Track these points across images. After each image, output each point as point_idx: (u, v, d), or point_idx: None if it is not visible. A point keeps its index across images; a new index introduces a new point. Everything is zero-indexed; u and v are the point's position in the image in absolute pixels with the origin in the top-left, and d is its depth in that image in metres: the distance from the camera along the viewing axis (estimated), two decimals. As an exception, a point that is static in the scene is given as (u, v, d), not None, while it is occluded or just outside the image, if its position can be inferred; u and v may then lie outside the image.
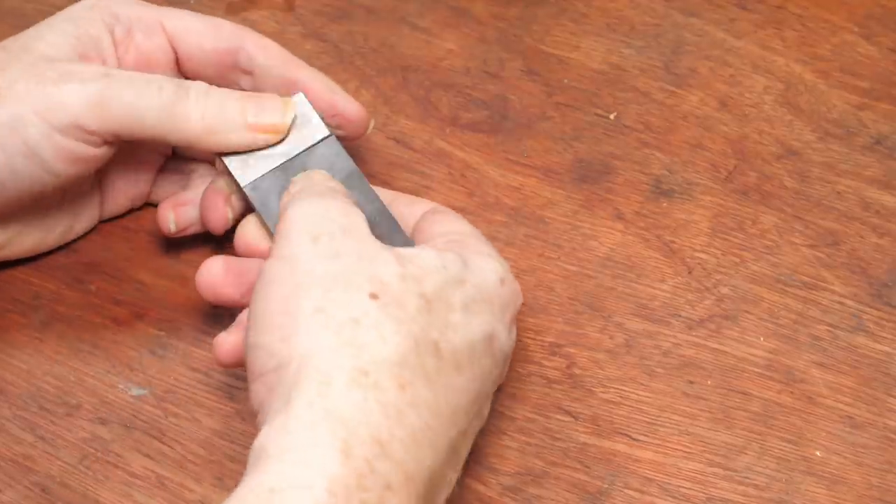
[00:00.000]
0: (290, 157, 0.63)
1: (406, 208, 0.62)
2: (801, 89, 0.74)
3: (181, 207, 0.66)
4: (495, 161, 0.71)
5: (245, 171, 0.63)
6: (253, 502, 0.47)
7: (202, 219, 0.66)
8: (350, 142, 0.67)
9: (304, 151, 0.63)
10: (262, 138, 0.62)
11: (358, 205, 0.59)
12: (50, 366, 0.64)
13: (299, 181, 0.60)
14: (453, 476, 0.54)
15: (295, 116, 0.63)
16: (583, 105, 0.74)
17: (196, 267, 0.64)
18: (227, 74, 0.66)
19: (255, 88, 0.66)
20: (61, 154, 0.61)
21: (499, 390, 0.62)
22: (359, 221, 0.56)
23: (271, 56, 0.66)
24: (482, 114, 0.74)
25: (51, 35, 0.63)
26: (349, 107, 0.66)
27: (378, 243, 0.55)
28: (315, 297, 0.52)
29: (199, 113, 0.61)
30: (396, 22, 0.78)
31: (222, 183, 0.65)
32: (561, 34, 0.77)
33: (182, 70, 0.67)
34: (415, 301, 0.53)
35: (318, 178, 0.60)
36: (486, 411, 0.56)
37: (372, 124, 0.67)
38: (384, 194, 0.63)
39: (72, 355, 0.64)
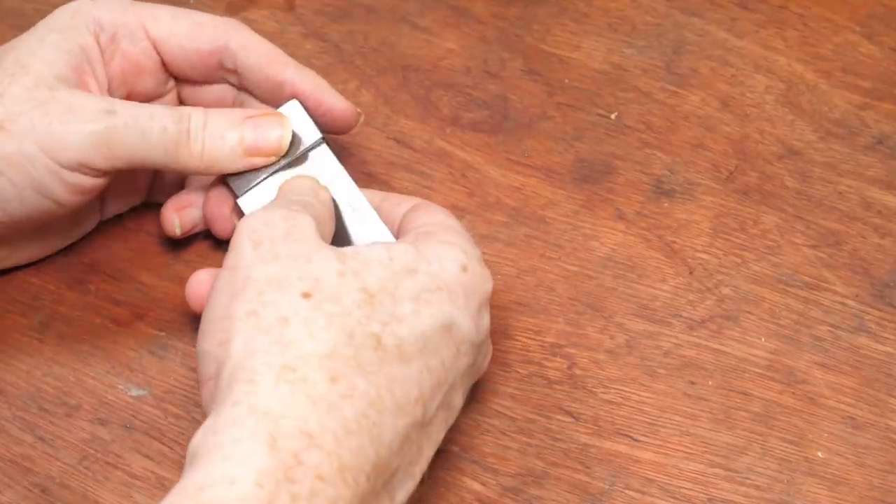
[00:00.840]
0: (282, 165, 0.63)
1: (395, 208, 0.63)
2: (802, 89, 0.74)
3: (185, 210, 0.66)
4: (496, 161, 0.71)
5: (239, 180, 0.64)
6: (183, 502, 0.47)
7: (210, 228, 0.66)
8: (340, 135, 0.67)
9: (297, 157, 0.63)
10: (261, 162, 0.63)
11: (327, 208, 0.60)
12: (49, 366, 0.64)
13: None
14: (416, 469, 0.54)
15: (294, 132, 0.64)
16: (584, 105, 0.74)
17: (196, 268, 0.64)
18: (214, 74, 0.67)
19: (242, 87, 0.66)
20: (67, 188, 0.61)
21: (498, 393, 0.62)
22: (303, 225, 0.56)
23: (254, 55, 0.65)
24: (483, 114, 0.73)
25: (42, 50, 0.62)
26: (336, 104, 0.66)
27: (321, 244, 0.55)
28: (250, 300, 0.53)
29: (198, 148, 0.62)
30: (397, 21, 0.78)
31: (225, 191, 0.65)
32: (562, 34, 0.77)
33: (168, 69, 0.67)
34: (353, 295, 0.53)
35: (285, 186, 0.61)
36: (456, 402, 0.57)
37: (362, 118, 0.67)
38: (374, 196, 0.63)
39: (71, 356, 0.64)
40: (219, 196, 0.65)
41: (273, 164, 0.63)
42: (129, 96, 0.66)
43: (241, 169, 0.63)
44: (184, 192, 0.67)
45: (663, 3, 0.78)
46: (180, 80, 0.68)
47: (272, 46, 0.66)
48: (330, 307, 0.53)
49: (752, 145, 0.71)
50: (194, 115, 0.62)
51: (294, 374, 0.51)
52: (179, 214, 0.66)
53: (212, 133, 0.62)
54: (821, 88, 0.74)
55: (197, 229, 0.67)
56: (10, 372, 0.64)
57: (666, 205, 0.69)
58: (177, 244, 0.68)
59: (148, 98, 0.67)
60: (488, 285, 0.58)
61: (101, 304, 0.66)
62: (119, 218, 0.69)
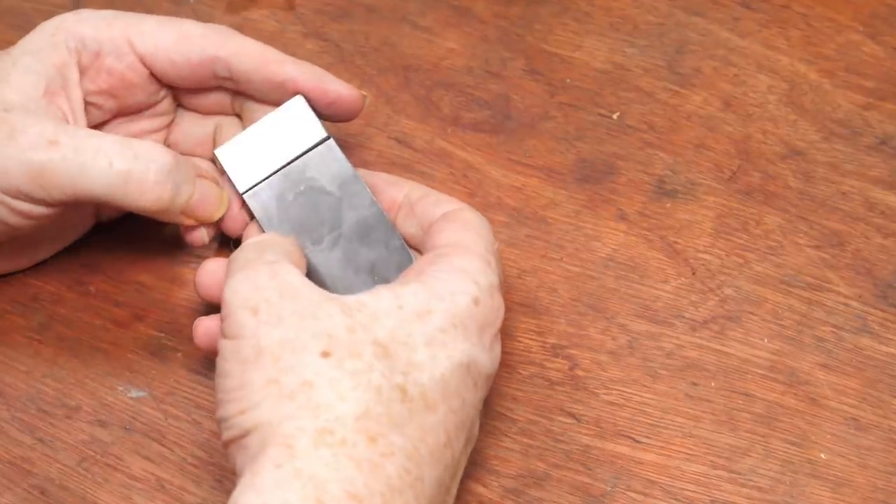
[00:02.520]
0: (289, 160, 0.63)
1: (431, 208, 0.61)
2: (805, 89, 0.74)
3: None
4: (497, 161, 0.71)
5: (243, 176, 0.63)
6: None
7: (222, 227, 0.65)
8: (349, 122, 0.67)
9: (301, 154, 0.63)
10: (188, 222, 0.63)
11: (294, 245, 0.59)
12: (49, 368, 0.64)
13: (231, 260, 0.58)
14: None
15: (288, 125, 0.63)
16: (585, 105, 0.74)
17: (196, 268, 0.63)
18: (207, 82, 0.65)
19: (239, 91, 0.65)
20: (15, 212, 0.60)
21: (500, 394, 0.62)
22: (291, 278, 0.54)
23: (248, 60, 0.64)
24: (484, 113, 0.73)
25: (15, 73, 0.62)
26: (341, 90, 0.65)
27: (319, 295, 0.54)
28: (266, 368, 0.52)
29: (153, 195, 0.61)
30: (398, 21, 0.78)
31: (230, 189, 0.65)
32: (563, 33, 0.77)
33: (161, 82, 0.66)
34: (369, 349, 0.52)
35: (240, 252, 0.58)
36: (475, 432, 0.56)
37: (367, 99, 0.67)
38: (415, 189, 0.63)
39: (71, 357, 0.64)
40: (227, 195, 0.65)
41: (276, 157, 0.63)
42: (121, 109, 0.65)
43: (172, 222, 0.63)
44: None
45: (665, 3, 0.78)
46: (175, 89, 0.67)
47: (265, 47, 0.65)
48: (351, 364, 0.52)
49: (754, 145, 0.71)
50: (156, 163, 0.61)
51: (333, 437, 0.50)
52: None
53: (180, 179, 0.62)
54: (824, 88, 0.74)
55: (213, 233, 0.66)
56: (10, 373, 0.64)
57: (668, 205, 0.69)
58: (177, 245, 0.68)
59: (140, 109, 0.66)
60: (501, 314, 0.57)
61: (101, 305, 0.66)
62: (118, 219, 0.69)
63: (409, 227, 0.62)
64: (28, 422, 0.62)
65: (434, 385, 0.52)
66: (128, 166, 0.60)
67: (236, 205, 0.64)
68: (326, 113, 0.65)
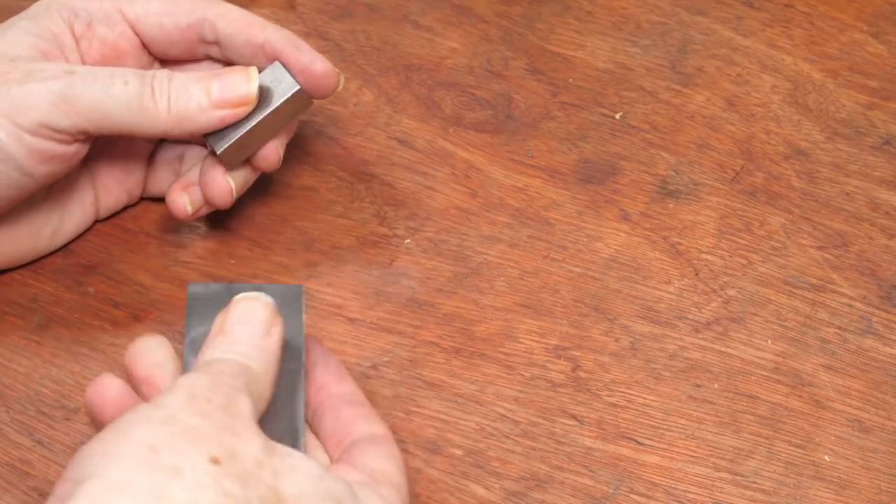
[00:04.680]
0: (264, 115, 0.63)
1: (359, 421, 0.56)
2: (809, 88, 0.73)
3: (192, 188, 0.66)
4: (499, 161, 0.71)
5: (218, 137, 0.63)
6: None
7: (205, 197, 0.65)
8: (320, 100, 0.66)
9: (273, 110, 0.63)
10: (231, 114, 0.62)
11: (270, 364, 0.54)
12: (48, 369, 0.64)
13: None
14: None
15: (263, 86, 0.63)
16: (588, 105, 0.73)
17: (196, 269, 0.63)
18: (195, 49, 0.66)
19: (223, 57, 0.66)
20: (33, 154, 0.60)
21: (502, 396, 0.62)
22: (242, 406, 0.50)
23: (232, 22, 0.65)
24: (486, 113, 0.73)
25: (11, 34, 0.62)
26: (316, 63, 0.65)
27: (255, 428, 0.50)
28: (158, 433, 0.48)
29: (164, 103, 0.61)
30: (399, 20, 0.78)
31: (194, 172, 0.65)
32: (565, 33, 0.77)
33: (151, 53, 0.66)
34: (262, 490, 0.48)
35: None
36: None
37: (342, 81, 0.66)
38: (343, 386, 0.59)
39: (70, 358, 0.64)
40: (211, 162, 0.65)
41: (248, 116, 0.63)
42: None
43: (214, 124, 0.62)
44: (185, 173, 0.67)
45: (668, 2, 0.78)
46: (164, 61, 0.67)
47: (248, 13, 0.65)
48: (230, 485, 0.47)
49: (758, 145, 0.71)
50: (158, 73, 0.61)
51: None
52: (188, 192, 0.65)
53: (177, 87, 0.61)
54: (827, 88, 0.73)
55: (203, 210, 0.66)
56: (8, 374, 0.63)
57: (671, 205, 0.69)
58: (175, 245, 0.68)
59: None
60: None
61: (100, 305, 0.66)
62: (117, 219, 0.69)
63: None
64: (27, 423, 0.62)
65: None
66: (139, 82, 0.61)
67: (219, 171, 0.64)
68: (301, 82, 0.64)
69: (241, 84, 0.62)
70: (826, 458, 0.60)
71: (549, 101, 0.74)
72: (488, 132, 0.72)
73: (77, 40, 0.64)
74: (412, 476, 0.59)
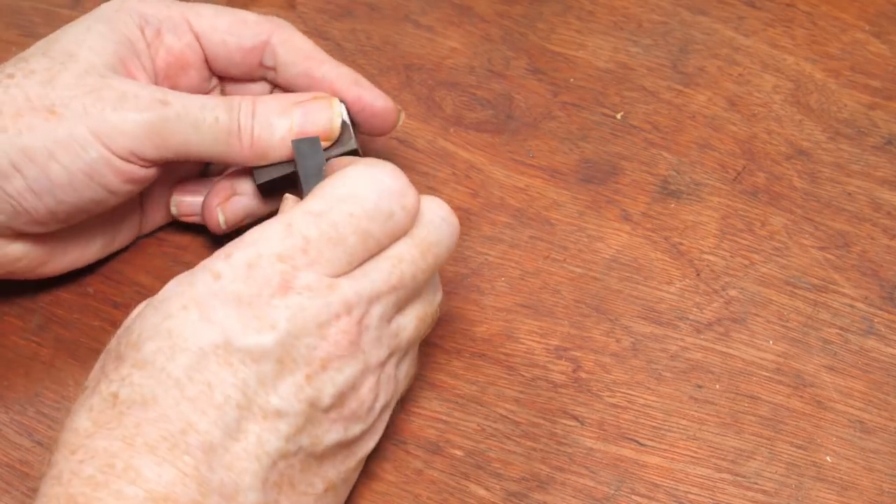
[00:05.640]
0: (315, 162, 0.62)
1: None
2: (810, 88, 0.73)
3: (230, 201, 0.66)
4: (500, 161, 0.71)
5: (265, 171, 0.63)
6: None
7: (203, 217, 0.66)
8: (379, 136, 0.66)
9: (326, 160, 0.62)
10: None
11: None
12: (47, 370, 0.63)
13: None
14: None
15: (344, 122, 0.63)
16: (589, 104, 0.73)
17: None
18: (254, 72, 0.66)
19: (278, 82, 0.66)
20: (119, 174, 0.60)
21: (502, 396, 0.61)
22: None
23: (293, 51, 0.65)
24: (487, 113, 0.73)
25: (90, 39, 0.62)
26: (377, 101, 0.64)
27: None
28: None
29: (248, 138, 0.61)
30: (399, 20, 0.78)
31: (227, 183, 0.65)
32: (567, 32, 0.77)
33: (210, 66, 0.66)
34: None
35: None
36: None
37: (402, 118, 0.66)
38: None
39: (70, 359, 0.64)
40: (218, 188, 0.65)
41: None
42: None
43: (289, 154, 0.62)
44: (218, 182, 0.66)
45: (669, 2, 0.78)
46: (222, 78, 0.67)
47: (313, 45, 0.65)
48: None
49: (759, 145, 0.71)
50: (244, 103, 0.62)
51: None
52: (223, 207, 0.65)
53: (260, 121, 0.61)
54: (829, 88, 0.73)
55: (244, 221, 0.66)
56: (8, 375, 0.63)
57: (672, 206, 0.69)
58: (175, 246, 0.67)
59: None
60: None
61: (100, 306, 0.66)
62: (157, 230, 0.69)
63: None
64: (26, 424, 0.62)
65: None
66: (229, 116, 0.61)
67: (215, 202, 0.65)
68: (359, 120, 0.64)
69: (323, 116, 0.62)
70: (828, 458, 0.60)
71: (550, 100, 0.74)
72: (489, 132, 0.72)
73: (148, 46, 0.64)
74: (413, 477, 0.59)
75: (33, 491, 0.59)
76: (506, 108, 0.73)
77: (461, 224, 0.67)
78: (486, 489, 0.59)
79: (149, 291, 0.66)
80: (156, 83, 0.64)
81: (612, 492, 0.59)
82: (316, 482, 0.53)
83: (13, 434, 0.61)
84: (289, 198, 0.60)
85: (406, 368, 0.57)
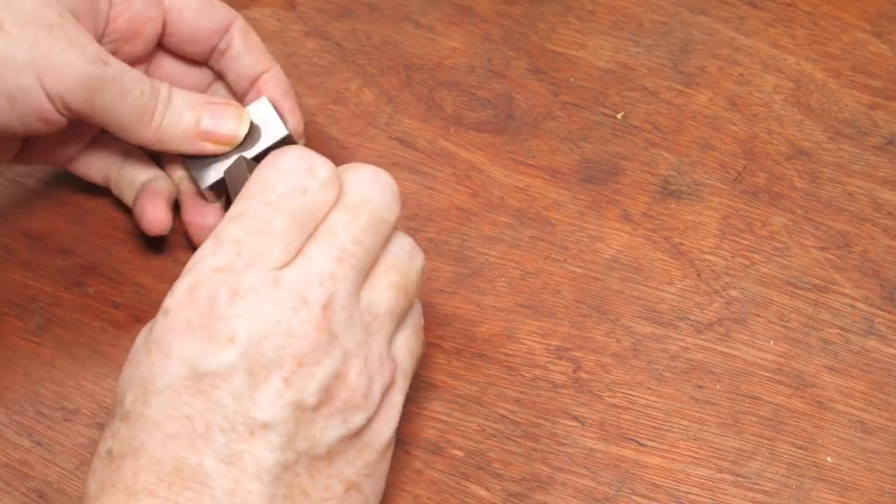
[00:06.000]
0: (246, 156, 0.64)
1: None
2: (811, 88, 0.73)
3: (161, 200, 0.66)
4: (500, 161, 0.71)
5: (203, 171, 0.65)
6: None
7: (138, 219, 0.66)
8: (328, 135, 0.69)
9: (263, 151, 0.64)
10: (211, 148, 0.64)
11: None
12: (47, 370, 0.63)
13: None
14: None
15: (253, 123, 0.65)
16: (589, 104, 0.73)
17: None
18: (207, 53, 0.67)
19: (224, 67, 0.67)
20: (36, 111, 0.60)
21: (503, 397, 0.61)
22: None
23: (249, 44, 0.67)
24: (487, 113, 0.73)
25: None
26: (289, 118, 0.67)
27: None
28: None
29: (157, 122, 0.62)
30: (400, 20, 0.78)
31: (163, 183, 0.66)
32: (567, 32, 0.77)
33: (163, 42, 0.67)
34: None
35: None
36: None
37: (302, 142, 0.68)
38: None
39: (69, 359, 0.64)
40: (156, 188, 0.66)
41: (229, 152, 0.64)
42: (113, 55, 0.66)
43: (191, 152, 0.64)
44: (148, 183, 0.67)
45: (670, 2, 0.78)
46: (169, 54, 0.68)
47: (261, 42, 0.67)
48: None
49: (760, 145, 0.71)
50: (163, 88, 0.63)
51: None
52: (160, 205, 0.66)
53: (173, 109, 0.63)
54: (830, 88, 0.73)
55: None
56: (8, 376, 0.63)
57: (673, 206, 0.68)
58: (175, 246, 0.67)
59: (126, 62, 0.66)
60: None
61: (100, 306, 0.66)
62: (117, 220, 0.69)
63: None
64: (26, 425, 0.62)
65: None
66: (152, 96, 0.62)
67: (163, 202, 0.66)
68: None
69: (231, 123, 0.64)
70: (828, 459, 0.59)
71: (550, 100, 0.73)
72: (489, 132, 0.72)
73: (111, 6, 0.64)
74: (413, 478, 0.59)
75: (32, 491, 0.59)
76: (506, 108, 0.73)
77: (461, 223, 0.67)
78: (487, 489, 0.59)
79: (149, 291, 0.66)
80: (100, 42, 0.65)
81: (613, 492, 0.59)
82: (332, 484, 0.51)
83: (13, 434, 0.61)
84: None
85: (403, 344, 0.55)
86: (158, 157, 0.68)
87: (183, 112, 0.63)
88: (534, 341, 0.64)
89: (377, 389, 0.52)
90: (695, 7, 0.77)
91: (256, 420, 0.49)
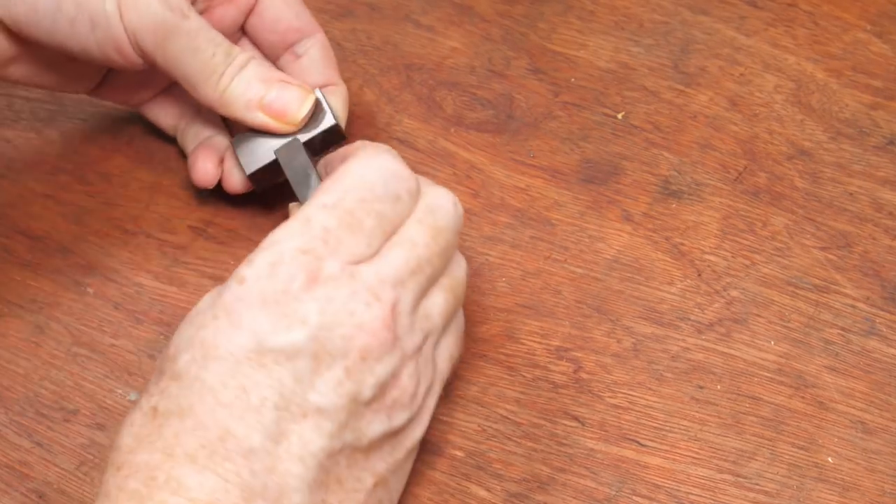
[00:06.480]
0: (294, 141, 0.64)
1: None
2: (812, 88, 0.73)
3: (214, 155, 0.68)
4: (501, 161, 0.71)
5: (249, 154, 0.65)
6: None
7: (189, 169, 0.67)
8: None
9: (310, 139, 0.64)
10: (271, 124, 0.64)
11: None
12: (47, 370, 0.63)
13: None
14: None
15: (310, 111, 0.64)
16: (590, 104, 0.73)
17: (196, 269, 0.63)
18: (281, 52, 0.69)
19: (293, 71, 0.68)
20: (114, 42, 0.61)
21: (503, 397, 0.61)
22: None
23: (324, 56, 0.68)
24: (487, 113, 0.73)
25: None
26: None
27: None
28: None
29: (224, 85, 0.63)
30: (400, 20, 0.77)
31: (220, 141, 0.68)
32: (568, 32, 0.77)
33: (247, 26, 0.69)
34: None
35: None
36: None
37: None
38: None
39: (69, 359, 0.64)
40: (210, 143, 0.68)
41: (278, 139, 0.64)
42: (204, 13, 0.67)
43: (249, 122, 0.64)
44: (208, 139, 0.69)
45: (671, 1, 0.78)
46: (250, 43, 0.70)
47: (334, 58, 0.70)
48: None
49: (761, 145, 0.71)
50: (240, 57, 0.63)
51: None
52: (212, 159, 0.67)
53: (242, 77, 0.63)
54: (831, 88, 0.73)
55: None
56: (7, 376, 0.63)
57: (673, 206, 0.68)
58: (176, 246, 0.67)
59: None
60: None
61: (100, 306, 0.66)
62: (117, 220, 0.69)
63: None
64: (26, 425, 0.62)
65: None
66: (225, 60, 0.63)
67: (216, 157, 0.67)
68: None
69: (295, 103, 0.64)
70: (829, 459, 0.59)
71: (550, 100, 0.73)
72: (490, 132, 0.72)
73: None
74: (414, 478, 0.59)
75: (32, 491, 0.59)
76: (506, 108, 0.73)
77: (462, 224, 0.67)
78: (487, 490, 0.59)
79: (149, 291, 0.66)
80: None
81: (613, 493, 0.59)
82: (364, 477, 0.52)
83: (12, 435, 0.61)
84: (295, 206, 0.60)
85: (445, 349, 0.57)
86: (228, 120, 0.69)
87: (251, 82, 0.63)
88: (534, 342, 0.64)
89: (421, 392, 0.54)
90: (695, 7, 0.77)
91: (311, 404, 0.50)
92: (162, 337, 0.64)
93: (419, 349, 0.54)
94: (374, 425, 0.52)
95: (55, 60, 0.66)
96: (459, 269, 0.57)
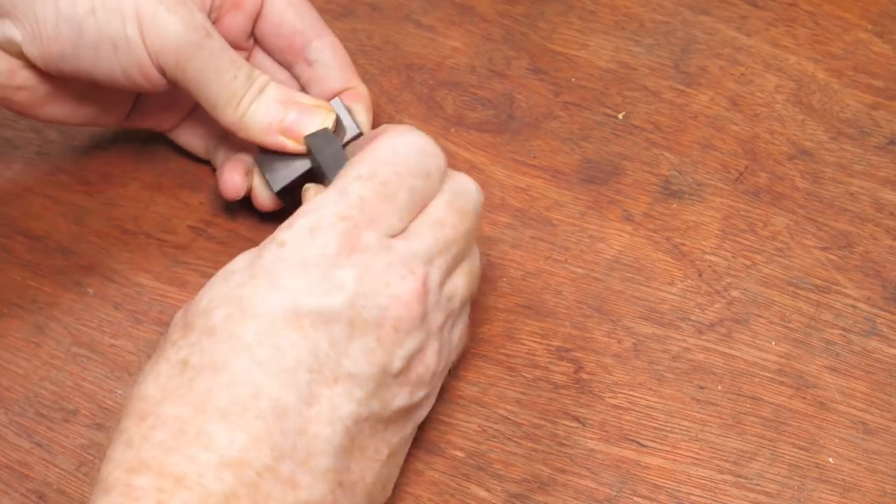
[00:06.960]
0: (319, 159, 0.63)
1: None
2: (813, 88, 0.73)
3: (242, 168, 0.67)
4: (501, 161, 0.71)
5: (276, 176, 0.65)
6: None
7: (218, 183, 0.67)
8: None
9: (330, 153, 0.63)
10: (291, 146, 0.64)
11: None
12: (47, 370, 0.63)
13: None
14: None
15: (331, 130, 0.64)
16: (590, 104, 0.73)
17: (196, 269, 0.63)
18: (291, 57, 0.68)
19: (309, 79, 0.68)
20: (138, 64, 0.61)
21: (504, 397, 0.61)
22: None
23: (337, 59, 0.67)
24: (488, 113, 0.73)
25: None
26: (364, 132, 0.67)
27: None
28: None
29: (243, 109, 0.63)
30: (401, 20, 0.77)
31: (246, 155, 0.67)
32: (568, 32, 0.77)
33: (255, 31, 0.68)
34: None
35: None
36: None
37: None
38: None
39: (69, 360, 0.64)
40: (238, 157, 0.67)
41: (301, 156, 0.64)
42: (215, 23, 0.67)
43: (269, 145, 0.63)
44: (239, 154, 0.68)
45: (671, 1, 0.78)
46: (264, 52, 0.69)
47: (349, 58, 0.68)
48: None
49: (761, 145, 0.71)
50: (260, 79, 0.63)
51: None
52: (240, 172, 0.67)
53: (261, 101, 0.63)
54: (832, 88, 0.73)
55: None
56: (7, 376, 0.63)
57: (674, 206, 0.68)
58: (176, 246, 0.67)
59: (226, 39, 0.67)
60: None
61: (100, 306, 0.66)
62: (117, 220, 0.69)
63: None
64: (25, 426, 0.62)
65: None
66: (245, 83, 0.62)
67: (243, 170, 0.67)
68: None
69: (313, 126, 0.63)
70: (830, 460, 0.59)
71: (551, 100, 0.73)
72: (490, 132, 0.72)
73: None
74: (414, 478, 0.59)
75: (32, 492, 0.59)
76: (507, 108, 0.73)
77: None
78: (487, 490, 0.59)
79: (149, 291, 0.66)
80: (205, 12, 0.66)
81: (614, 493, 0.59)
82: (382, 448, 0.53)
83: (12, 435, 0.61)
84: (310, 187, 0.61)
85: (457, 335, 0.57)
86: None
87: (270, 105, 0.63)
88: (535, 342, 0.64)
89: (440, 371, 0.55)
90: (696, 7, 0.77)
91: (344, 369, 0.51)
92: (161, 337, 0.64)
93: (441, 329, 0.55)
94: (399, 398, 0.53)
95: (85, 93, 0.66)
96: (476, 255, 0.58)
